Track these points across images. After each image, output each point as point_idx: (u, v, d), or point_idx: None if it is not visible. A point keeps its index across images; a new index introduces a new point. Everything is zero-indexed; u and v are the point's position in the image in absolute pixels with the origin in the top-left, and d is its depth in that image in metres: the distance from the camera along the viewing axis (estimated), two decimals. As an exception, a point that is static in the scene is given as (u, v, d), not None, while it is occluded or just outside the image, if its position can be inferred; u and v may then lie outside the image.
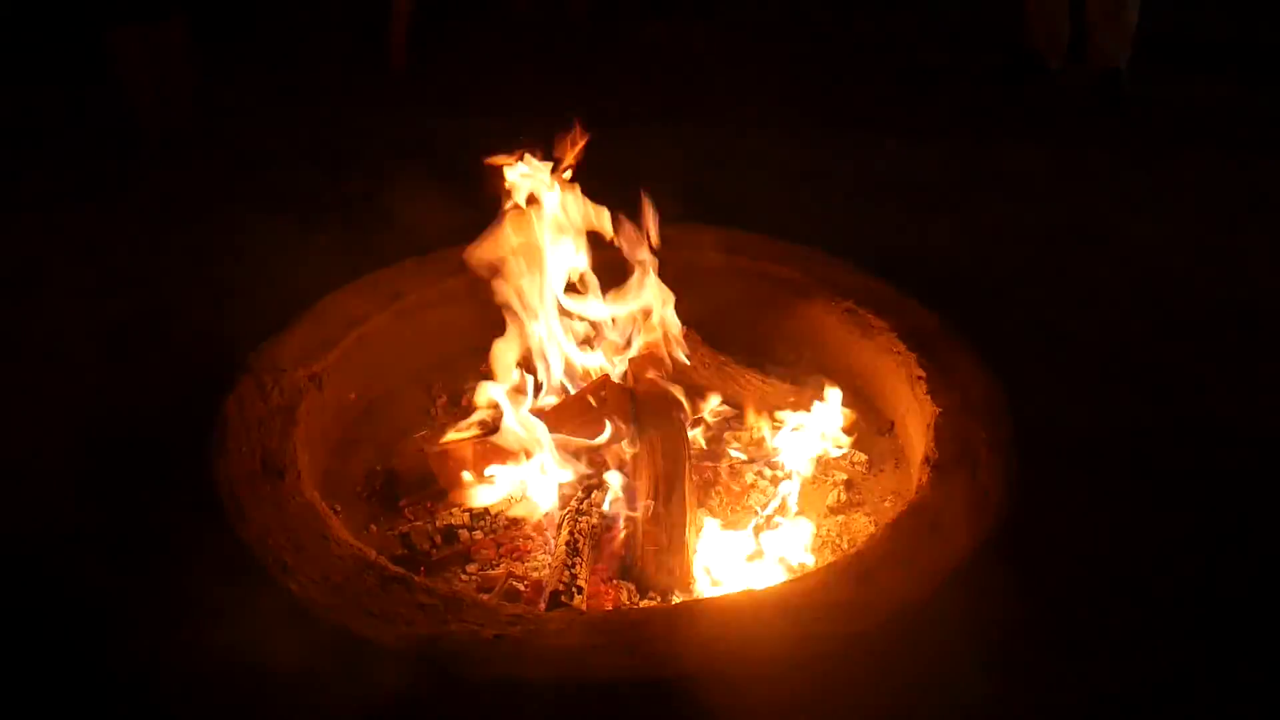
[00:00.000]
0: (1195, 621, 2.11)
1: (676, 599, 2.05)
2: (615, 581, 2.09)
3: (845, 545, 2.20)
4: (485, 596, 2.04)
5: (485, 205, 2.48)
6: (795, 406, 2.51)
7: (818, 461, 2.41)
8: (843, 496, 2.33)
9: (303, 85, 4.66)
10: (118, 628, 2.03)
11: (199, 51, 4.26)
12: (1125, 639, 2.05)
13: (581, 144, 2.37)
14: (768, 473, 2.39)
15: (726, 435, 2.52)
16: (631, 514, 2.13)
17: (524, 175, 2.36)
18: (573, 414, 2.27)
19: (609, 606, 2.02)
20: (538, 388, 2.42)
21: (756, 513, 2.28)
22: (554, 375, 2.41)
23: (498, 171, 2.38)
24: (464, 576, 2.15)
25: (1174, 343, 2.98)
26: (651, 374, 2.23)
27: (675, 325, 2.35)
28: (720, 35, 5.17)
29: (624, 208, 2.44)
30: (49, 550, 2.22)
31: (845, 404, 2.49)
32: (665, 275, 2.76)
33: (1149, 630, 2.07)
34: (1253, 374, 2.86)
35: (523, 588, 2.08)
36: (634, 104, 4.49)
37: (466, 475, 2.30)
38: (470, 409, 2.47)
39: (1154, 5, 4.45)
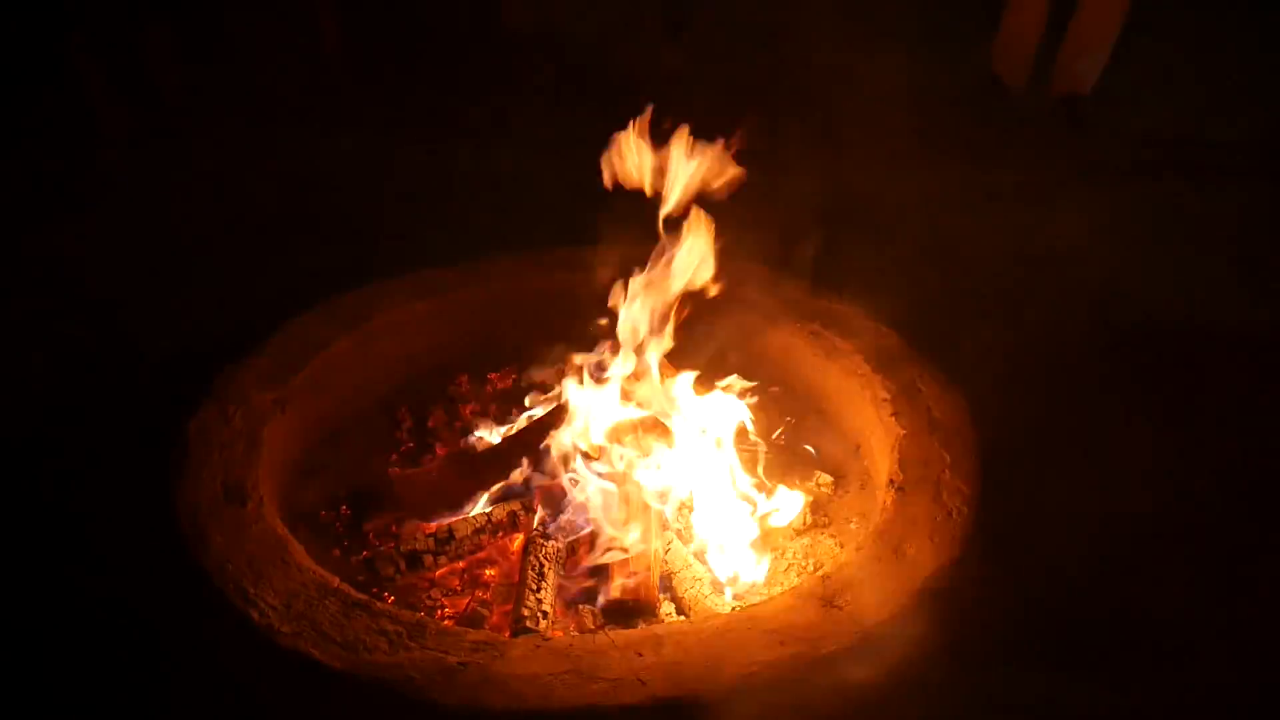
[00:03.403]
0: (1163, 635, 2.13)
1: (643, 624, 2.04)
2: (581, 607, 2.07)
3: (811, 567, 2.21)
4: (449, 623, 2.02)
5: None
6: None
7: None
8: (809, 518, 2.33)
9: (267, 99, 4.65)
10: (75, 656, 2.00)
11: (177, 60, 4.25)
12: (1090, 656, 2.07)
13: None
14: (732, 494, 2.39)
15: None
16: (597, 538, 2.12)
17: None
18: (535, 440, 2.27)
19: (574, 632, 2.01)
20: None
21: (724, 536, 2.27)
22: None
23: None
24: (428, 602, 2.13)
25: (1133, 363, 3.02)
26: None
27: None
28: (689, 57, 5.20)
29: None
30: (3, 575, 2.19)
31: (812, 426, 2.51)
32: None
33: (1116, 646, 2.09)
34: (1209, 393, 2.90)
35: (487, 613, 2.07)
36: (604, 124, 4.50)
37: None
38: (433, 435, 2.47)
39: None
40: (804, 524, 2.32)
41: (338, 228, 3.65)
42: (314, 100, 4.74)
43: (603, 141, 4.15)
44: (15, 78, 4.36)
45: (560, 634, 1.98)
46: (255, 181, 3.99)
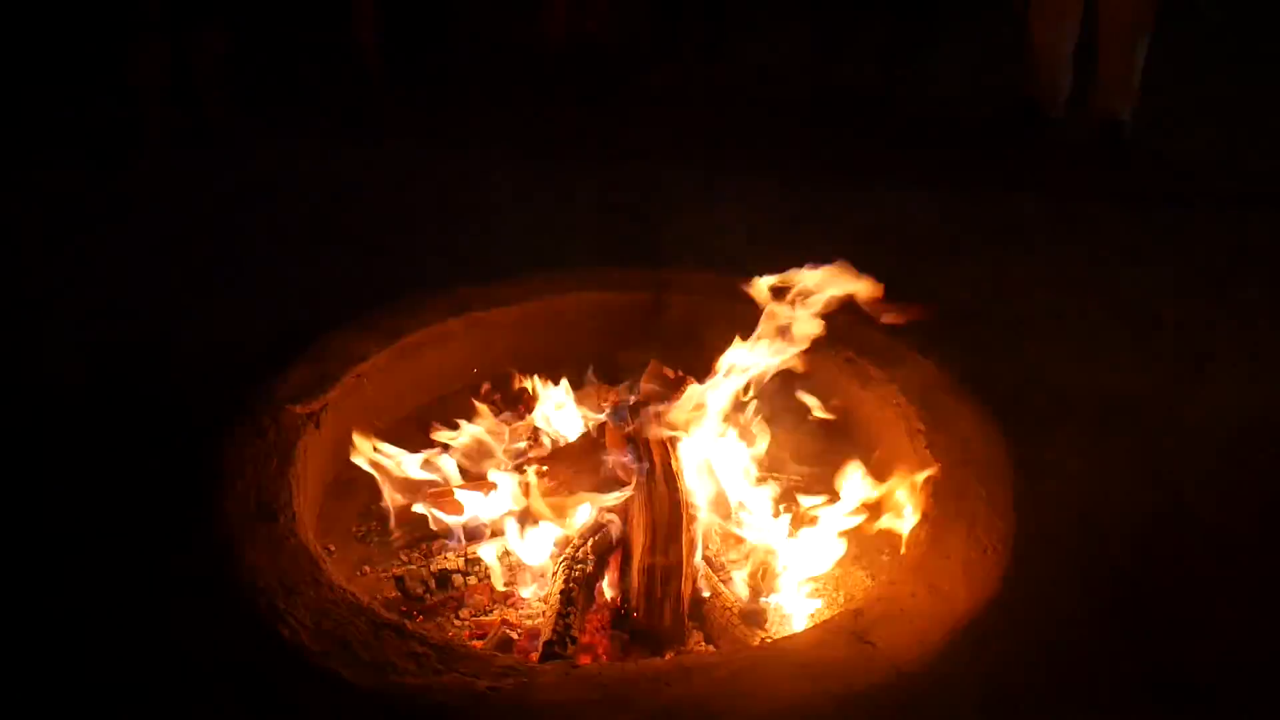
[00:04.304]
0: (1202, 678, 2.10)
1: (671, 653, 2.03)
2: (610, 632, 2.06)
3: (842, 600, 2.19)
4: (478, 644, 2.02)
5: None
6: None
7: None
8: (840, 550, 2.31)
9: (310, 108, 4.70)
10: (105, 669, 2.01)
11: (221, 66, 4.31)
12: (1128, 697, 2.04)
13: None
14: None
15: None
16: (628, 563, 2.11)
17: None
18: (570, 461, 2.26)
19: (603, 659, 2.00)
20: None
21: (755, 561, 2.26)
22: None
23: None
24: (457, 622, 2.13)
25: (1172, 394, 2.98)
26: (650, 421, 2.23)
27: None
28: (724, 81, 5.21)
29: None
30: (36, 588, 2.20)
31: (845, 455, 2.49)
32: (667, 318, 2.78)
33: (1152, 688, 2.06)
34: (1251, 427, 2.86)
35: (516, 636, 2.06)
36: (639, 147, 4.51)
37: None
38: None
39: (1154, 57, 4.49)
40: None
41: (375, 239, 3.67)
42: (354, 108, 4.78)
43: (639, 155, 4.15)
44: (60, 81, 4.43)
45: (589, 660, 1.97)
46: (295, 190, 4.02)
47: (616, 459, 2.17)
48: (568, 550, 2.13)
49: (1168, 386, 3.01)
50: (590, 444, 2.26)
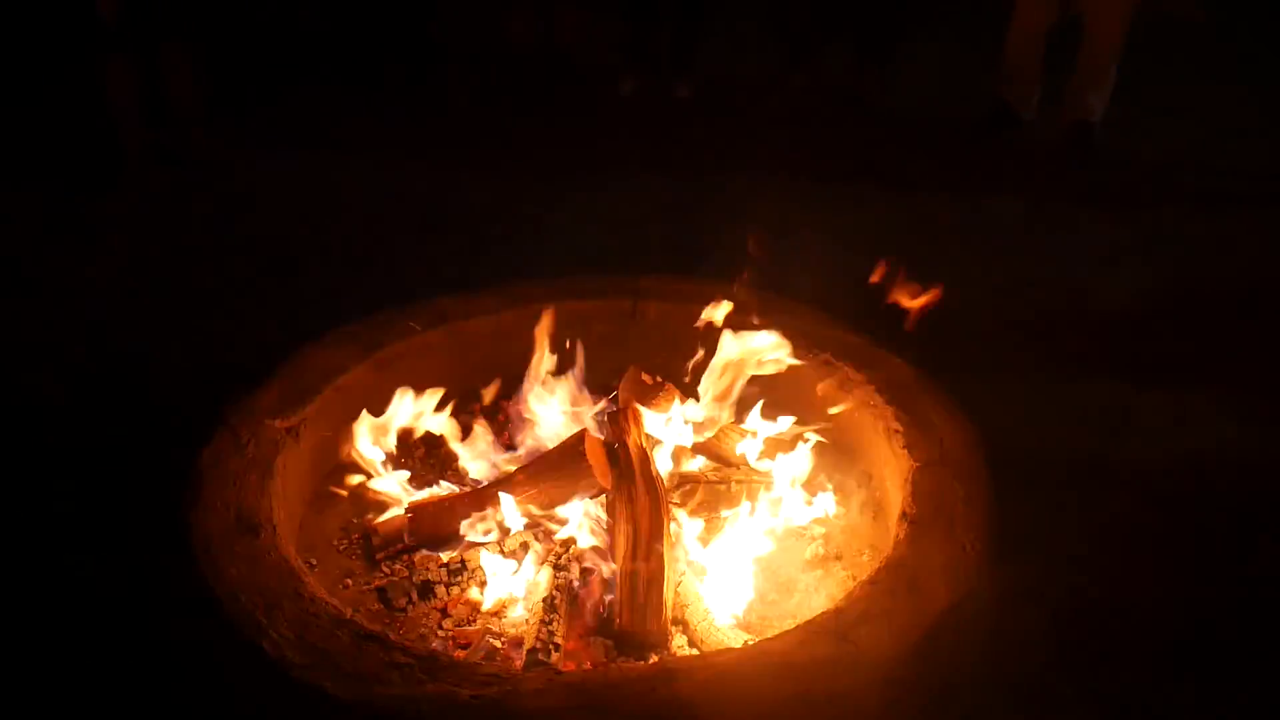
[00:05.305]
0: (1183, 665, 2.12)
1: (654, 657, 2.04)
2: (593, 639, 2.07)
3: (824, 600, 2.20)
4: (461, 654, 2.02)
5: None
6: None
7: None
8: (820, 550, 2.33)
9: (289, 124, 4.69)
10: (86, 685, 2.00)
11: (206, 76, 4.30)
12: (1107, 691, 2.06)
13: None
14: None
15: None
16: (610, 570, 2.12)
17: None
18: (550, 469, 2.27)
19: (587, 665, 2.01)
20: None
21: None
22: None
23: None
24: (440, 632, 2.13)
25: (1145, 390, 3.02)
26: (630, 428, 2.24)
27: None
28: (698, 89, 5.24)
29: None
30: (15, 605, 2.19)
31: (824, 456, 2.51)
32: (644, 324, 2.79)
33: (1131, 683, 2.08)
34: (1223, 419, 2.90)
35: (500, 645, 2.06)
36: (615, 155, 4.53)
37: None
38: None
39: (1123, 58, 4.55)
40: (815, 556, 2.32)
41: (351, 253, 3.67)
42: (329, 122, 4.78)
43: (614, 164, 4.16)
44: (31, 99, 4.40)
45: (572, 666, 1.98)
46: (270, 205, 4.02)
47: (597, 465, 2.18)
48: (550, 558, 2.14)
49: (1138, 388, 3.05)
50: (570, 451, 2.27)
